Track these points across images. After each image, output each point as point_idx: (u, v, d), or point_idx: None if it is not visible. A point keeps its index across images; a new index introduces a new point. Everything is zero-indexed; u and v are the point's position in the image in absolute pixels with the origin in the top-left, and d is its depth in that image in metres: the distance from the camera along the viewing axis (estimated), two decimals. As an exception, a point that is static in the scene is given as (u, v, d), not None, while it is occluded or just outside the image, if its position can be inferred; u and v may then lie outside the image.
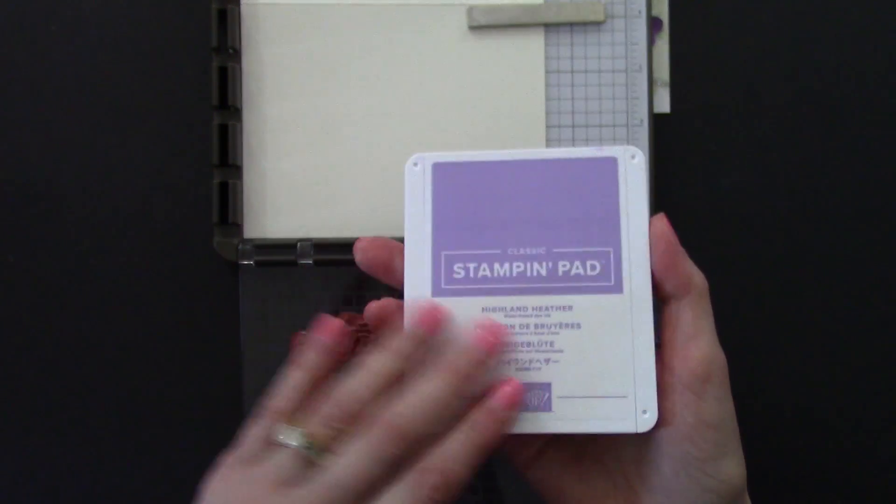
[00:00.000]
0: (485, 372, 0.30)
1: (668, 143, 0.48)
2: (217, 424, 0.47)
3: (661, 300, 0.32)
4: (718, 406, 0.30)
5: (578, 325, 0.31)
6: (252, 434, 0.31)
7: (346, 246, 0.45)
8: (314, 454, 0.29)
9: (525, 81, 0.47)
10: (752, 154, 0.48)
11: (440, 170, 0.32)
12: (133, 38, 0.47)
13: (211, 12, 0.45)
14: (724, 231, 0.48)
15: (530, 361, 0.31)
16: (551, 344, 0.31)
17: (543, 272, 0.31)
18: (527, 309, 0.31)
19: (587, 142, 0.47)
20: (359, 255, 0.33)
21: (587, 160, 0.32)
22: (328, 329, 0.32)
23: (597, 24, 0.47)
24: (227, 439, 0.47)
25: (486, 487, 0.47)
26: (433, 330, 0.31)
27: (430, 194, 0.32)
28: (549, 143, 0.47)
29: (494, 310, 0.31)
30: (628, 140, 0.47)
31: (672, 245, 0.31)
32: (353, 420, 0.30)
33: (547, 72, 0.47)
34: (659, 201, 0.47)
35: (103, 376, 0.47)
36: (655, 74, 0.47)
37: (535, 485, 0.34)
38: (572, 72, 0.47)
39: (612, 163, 0.32)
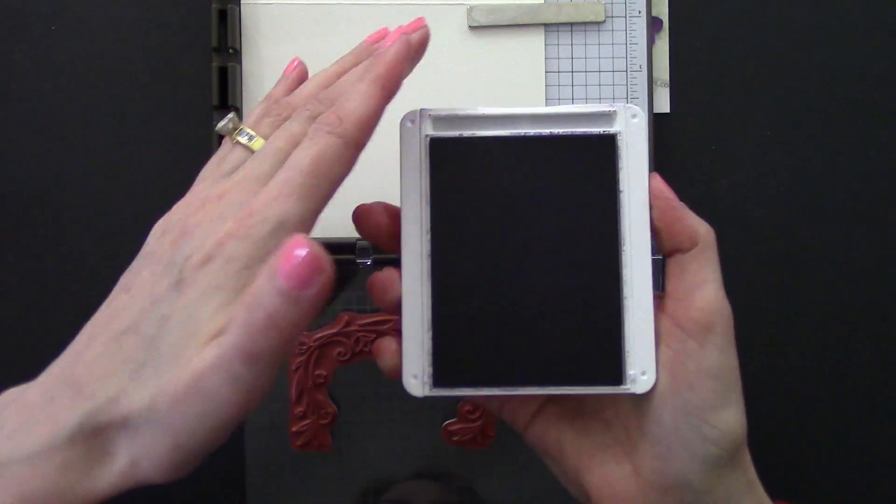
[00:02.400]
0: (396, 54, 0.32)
1: (668, 143, 0.47)
2: (217, 424, 0.47)
3: (666, 255, 0.32)
4: (721, 355, 0.30)
5: None
6: (215, 155, 0.33)
7: (346, 246, 0.45)
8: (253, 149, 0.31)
9: (525, 81, 0.47)
10: (752, 154, 0.48)
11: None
12: (133, 39, 0.47)
13: (211, 12, 0.45)
14: (723, 231, 0.47)
15: None
16: None
17: None
18: None
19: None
20: (357, 223, 0.33)
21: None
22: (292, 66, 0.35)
23: (597, 24, 0.47)
24: (226, 438, 0.47)
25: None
26: (373, 41, 0.34)
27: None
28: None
29: None
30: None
31: (670, 201, 0.32)
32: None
33: (547, 72, 0.47)
34: (659, 201, 0.47)
35: (103, 376, 0.47)
36: (655, 74, 0.47)
37: (536, 443, 0.34)
38: (572, 72, 0.47)
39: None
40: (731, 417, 0.30)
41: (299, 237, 0.26)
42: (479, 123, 0.32)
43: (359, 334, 0.45)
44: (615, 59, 0.47)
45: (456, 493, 0.47)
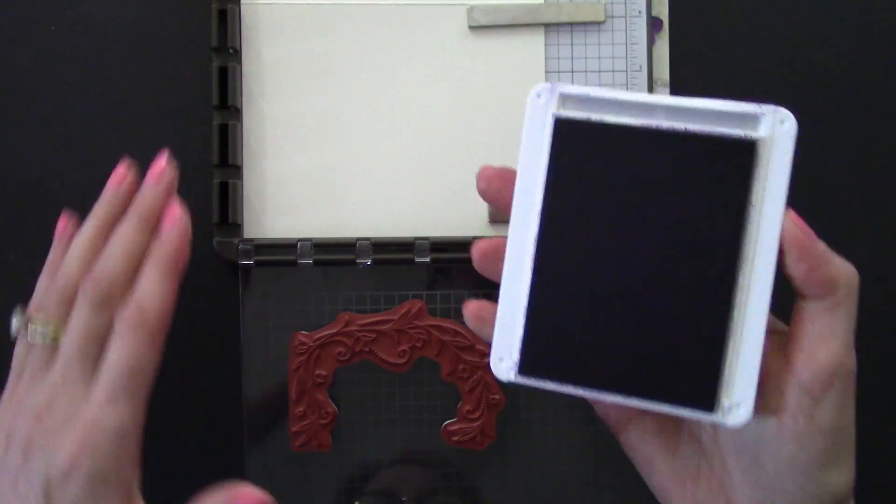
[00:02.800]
0: (154, 201, 0.36)
1: (668, 143, 0.47)
2: (217, 424, 0.47)
3: (799, 297, 0.30)
4: (836, 414, 0.28)
5: None
6: (18, 347, 0.36)
7: (346, 246, 0.45)
8: (54, 341, 0.33)
9: (525, 81, 0.47)
10: (752, 154, 0.48)
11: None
12: (133, 38, 0.47)
13: (211, 12, 0.45)
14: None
15: None
16: None
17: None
18: None
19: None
20: (482, 184, 0.32)
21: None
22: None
23: (597, 24, 0.47)
24: (227, 439, 0.47)
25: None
26: (120, 184, 0.37)
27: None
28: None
29: None
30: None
31: (806, 248, 0.28)
32: (74, 294, 0.34)
33: (547, 72, 0.47)
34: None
35: (103, 376, 0.47)
36: (655, 74, 0.47)
37: (628, 450, 0.33)
38: (572, 72, 0.47)
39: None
40: (838, 476, 0.29)
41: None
42: (611, 107, 0.30)
43: (359, 334, 0.45)
44: (615, 59, 0.47)
45: (456, 493, 0.47)
